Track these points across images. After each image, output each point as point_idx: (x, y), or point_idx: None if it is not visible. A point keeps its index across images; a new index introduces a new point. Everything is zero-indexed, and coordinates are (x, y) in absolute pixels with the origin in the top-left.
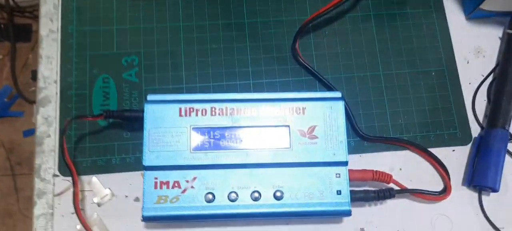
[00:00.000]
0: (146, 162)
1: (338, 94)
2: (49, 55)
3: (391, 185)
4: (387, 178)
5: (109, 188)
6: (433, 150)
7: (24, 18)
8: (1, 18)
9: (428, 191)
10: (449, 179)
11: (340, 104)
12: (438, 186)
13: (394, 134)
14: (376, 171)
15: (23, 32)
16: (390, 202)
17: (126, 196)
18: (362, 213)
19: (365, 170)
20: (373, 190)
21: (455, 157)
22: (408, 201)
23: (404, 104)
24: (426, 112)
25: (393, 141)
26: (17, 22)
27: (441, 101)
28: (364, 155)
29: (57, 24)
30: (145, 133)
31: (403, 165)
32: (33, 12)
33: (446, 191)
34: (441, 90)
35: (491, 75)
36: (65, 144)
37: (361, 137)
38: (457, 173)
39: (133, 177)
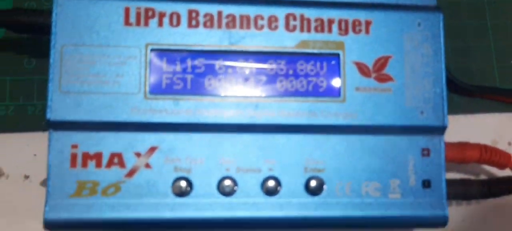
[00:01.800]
0: (54, 113)
1: (432, 1)
2: None
3: (508, 170)
4: (503, 158)
5: None
6: None
7: None
8: None
9: None
10: None
11: (437, 19)
12: None
13: (501, 82)
14: (486, 146)
15: None
16: (506, 201)
17: (26, 177)
18: (454, 219)
19: (467, 143)
20: (480, 181)
21: None
22: None
23: None
24: None
25: (503, 95)
26: None
27: None
28: (452, 117)
29: None
30: (53, 54)
31: None
32: None
33: None
34: None
35: None
36: None
37: (452, 86)
38: None
39: (40, 142)
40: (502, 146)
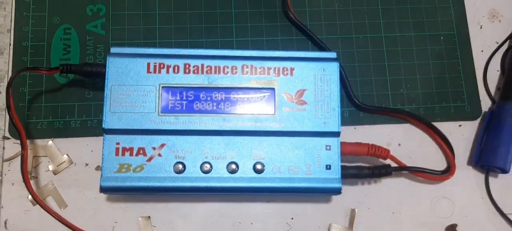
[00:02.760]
0: (107, 124)
1: (332, 55)
2: None
3: (388, 161)
4: (384, 153)
5: (67, 154)
6: (437, 124)
7: None
8: None
9: (429, 169)
10: (454, 157)
11: (335, 66)
12: (441, 165)
13: (394, 104)
14: (372, 144)
15: None
16: (385, 181)
17: (87, 164)
18: (354, 192)
19: (360, 143)
20: (368, 166)
21: (462, 133)
22: (406, 180)
23: (407, 72)
24: (432, 82)
25: (393, 112)
26: None
27: (449, 70)
28: (359, 127)
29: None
30: (106, 90)
31: (402, 140)
32: None
33: (449, 170)
34: (450, 57)
35: (507, 42)
36: (12, 99)
37: (357, 106)
38: (463, 151)
39: (95, 143)
40: (394, 146)
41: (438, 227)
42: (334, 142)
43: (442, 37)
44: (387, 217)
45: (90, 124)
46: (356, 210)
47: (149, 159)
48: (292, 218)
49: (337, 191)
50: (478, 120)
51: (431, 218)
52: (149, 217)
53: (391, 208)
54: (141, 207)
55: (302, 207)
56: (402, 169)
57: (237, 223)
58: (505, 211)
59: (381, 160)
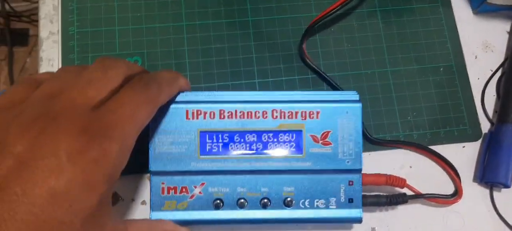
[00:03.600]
0: (153, 167)
1: (355, 95)
2: (50, 57)
3: (405, 189)
4: (400, 183)
5: (115, 191)
6: (443, 146)
7: (21, 22)
8: None
9: (440, 195)
10: (460, 180)
11: (358, 109)
12: (450, 184)
13: (403, 131)
14: (390, 175)
15: (20, 36)
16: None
17: (133, 200)
18: (374, 214)
19: (379, 174)
20: (385, 195)
21: (466, 153)
22: (420, 201)
23: (413, 101)
24: (436, 109)
25: (398, 144)
26: (14, 27)
27: (450, 98)
28: (373, 153)
29: (57, 26)
30: (150, 136)
31: (413, 163)
32: (30, 17)
33: (457, 193)
34: (450, 86)
35: (500, 70)
36: None
37: (369, 140)
38: (469, 169)
39: (139, 180)
40: (406, 168)
41: None
42: (356, 177)
43: (441, 69)
44: None
45: (132, 162)
46: (376, 229)
47: (191, 197)
48: None
49: (359, 221)
50: (479, 141)
51: None
52: None
53: (408, 224)
54: None
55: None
56: (417, 197)
57: None
58: (510, 222)
59: (397, 188)
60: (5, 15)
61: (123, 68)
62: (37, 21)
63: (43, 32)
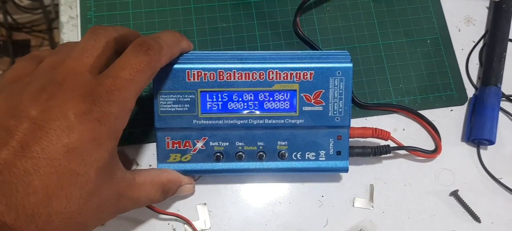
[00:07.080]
0: (158, 124)
1: (346, 55)
2: (70, 40)
3: (389, 142)
4: (385, 135)
5: (133, 158)
6: (433, 110)
7: (22, 34)
8: (0, 35)
9: (421, 148)
10: (440, 138)
11: (348, 69)
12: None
13: (396, 97)
14: (375, 128)
15: (22, 47)
16: (396, 160)
17: (150, 165)
18: (370, 171)
19: (365, 127)
20: (371, 147)
21: (454, 116)
22: (413, 158)
23: (403, 70)
24: (424, 77)
25: (385, 106)
26: (16, 39)
27: (437, 66)
28: (369, 118)
29: (76, 11)
30: (155, 97)
31: (406, 126)
32: (32, 28)
33: (437, 149)
34: (437, 56)
35: (482, 41)
36: None
37: (357, 104)
38: (456, 130)
39: (154, 149)
40: (399, 131)
41: (443, 194)
42: (344, 132)
43: (428, 41)
44: (400, 188)
45: (150, 132)
46: (374, 184)
47: (194, 150)
48: (322, 196)
49: (345, 170)
50: (466, 104)
51: (436, 186)
52: (205, 203)
53: (403, 180)
54: (197, 196)
55: (329, 186)
56: (399, 149)
57: (277, 204)
58: (496, 176)
59: (383, 140)
60: (7, 27)
61: (111, 32)
62: (39, 31)
63: (63, 17)
